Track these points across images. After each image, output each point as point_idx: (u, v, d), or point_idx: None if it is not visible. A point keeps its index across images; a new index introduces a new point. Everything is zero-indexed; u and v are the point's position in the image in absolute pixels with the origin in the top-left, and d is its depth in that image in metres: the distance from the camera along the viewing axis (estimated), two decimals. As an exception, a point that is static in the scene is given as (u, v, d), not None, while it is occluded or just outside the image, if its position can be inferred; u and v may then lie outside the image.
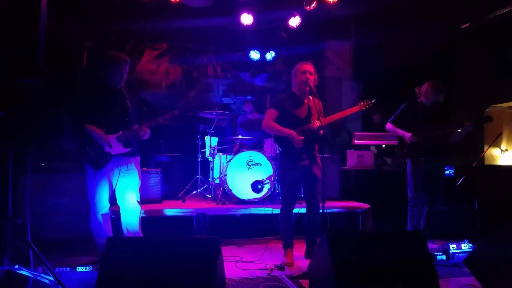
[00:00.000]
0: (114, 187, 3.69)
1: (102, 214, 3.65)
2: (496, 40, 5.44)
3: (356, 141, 6.33)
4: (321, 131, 3.79)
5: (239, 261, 3.97)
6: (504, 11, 4.96)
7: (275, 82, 7.51)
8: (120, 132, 3.61)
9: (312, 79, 3.89)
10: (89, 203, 3.65)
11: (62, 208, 4.42)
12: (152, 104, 6.82)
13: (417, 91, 4.32)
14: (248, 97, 6.57)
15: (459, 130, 4.22)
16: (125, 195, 3.71)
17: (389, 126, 4.60)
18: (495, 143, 5.91)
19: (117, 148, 3.61)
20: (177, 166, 5.87)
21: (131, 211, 3.73)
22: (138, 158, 3.83)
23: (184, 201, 5.42)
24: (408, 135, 4.37)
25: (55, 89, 5.16)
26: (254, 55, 7.09)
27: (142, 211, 3.89)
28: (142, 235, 3.76)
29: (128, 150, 3.66)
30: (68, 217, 4.38)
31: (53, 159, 4.83)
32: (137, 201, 3.75)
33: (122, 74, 3.66)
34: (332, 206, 5.13)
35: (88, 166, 3.58)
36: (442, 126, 4.27)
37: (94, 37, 6.16)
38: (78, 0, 5.53)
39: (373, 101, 3.96)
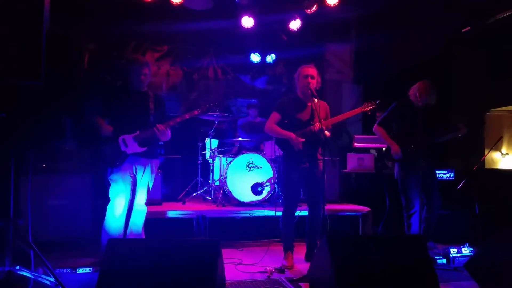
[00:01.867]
0: (128, 187, 3.67)
1: (116, 216, 3.64)
2: (496, 44, 5.45)
3: (356, 144, 6.33)
4: (324, 133, 3.77)
5: (239, 263, 3.96)
6: (504, 15, 4.97)
7: (276, 84, 7.52)
8: (137, 132, 3.67)
9: (314, 82, 3.91)
10: (107, 203, 3.67)
11: (63, 209, 4.42)
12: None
13: (412, 94, 4.32)
14: (252, 101, 6.56)
15: (459, 135, 4.20)
16: (137, 197, 3.72)
17: (376, 128, 4.49)
18: (496, 147, 5.90)
19: (132, 147, 3.66)
20: (177, 168, 5.88)
21: (138, 213, 3.76)
22: (157, 162, 3.89)
23: (184, 203, 5.40)
24: (394, 147, 4.29)
25: (57, 90, 5.17)
26: (255, 57, 7.10)
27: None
28: (144, 237, 3.77)
29: (143, 149, 3.69)
30: (69, 218, 4.40)
31: (54, 160, 4.84)
32: (145, 203, 3.80)
33: (140, 75, 3.73)
34: (332, 209, 5.12)
35: (103, 165, 3.64)
36: (434, 129, 4.21)
37: (95, 38, 6.17)
38: (80, 1, 5.53)
39: (377, 102, 3.96)
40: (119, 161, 3.62)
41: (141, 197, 3.76)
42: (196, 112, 3.87)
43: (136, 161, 3.71)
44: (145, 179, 3.77)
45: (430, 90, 4.26)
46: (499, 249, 3.18)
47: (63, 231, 4.35)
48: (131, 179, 3.66)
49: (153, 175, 3.86)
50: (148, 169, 3.78)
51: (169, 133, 3.80)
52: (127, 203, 3.64)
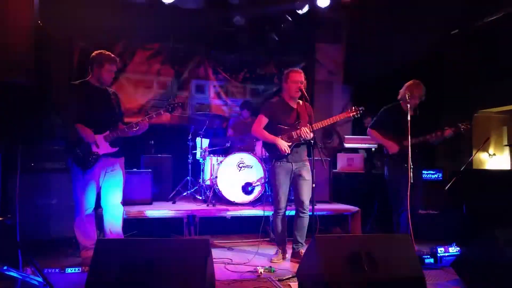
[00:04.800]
0: (100, 188, 3.70)
1: (86, 215, 3.65)
2: (484, 46, 5.52)
3: (346, 145, 6.37)
4: (311, 135, 3.82)
5: (229, 263, 3.97)
6: (493, 17, 5.05)
7: (267, 85, 7.52)
8: (107, 132, 3.62)
9: (302, 87, 3.94)
10: (74, 203, 3.65)
11: (51, 208, 4.39)
12: (143, 105, 6.79)
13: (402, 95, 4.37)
14: (244, 101, 6.57)
15: (439, 134, 4.25)
16: (110, 196, 3.73)
17: (370, 131, 4.55)
18: (483, 147, 5.97)
19: (104, 148, 3.61)
20: (167, 168, 5.83)
21: (115, 212, 3.76)
22: (123, 159, 3.85)
23: (174, 202, 5.40)
24: (390, 145, 4.33)
25: (46, 89, 5.13)
26: (246, 57, 7.02)
27: (125, 212, 3.90)
28: (123, 236, 3.78)
29: (115, 150, 3.67)
30: (58, 217, 4.36)
31: (43, 159, 4.80)
32: (121, 202, 3.78)
33: (110, 72, 3.67)
34: (322, 209, 5.15)
35: (75, 166, 3.56)
36: (423, 132, 4.25)
37: (86, 37, 6.12)
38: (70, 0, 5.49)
39: (361, 108, 4.00)
40: (91, 163, 3.56)
41: (116, 197, 3.74)
42: (162, 112, 3.79)
43: (107, 162, 3.67)
44: (118, 178, 3.75)
45: (420, 89, 4.30)
46: (485, 248, 3.22)
47: (52, 231, 4.33)
48: (100, 180, 3.66)
49: (124, 172, 3.81)
50: (118, 168, 3.75)
51: (146, 125, 3.70)
52: (94, 204, 3.66)
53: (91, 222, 3.72)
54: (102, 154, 3.61)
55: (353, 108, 4.03)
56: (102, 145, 3.60)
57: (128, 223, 4.04)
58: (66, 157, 3.66)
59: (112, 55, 3.72)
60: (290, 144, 3.95)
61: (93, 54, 3.71)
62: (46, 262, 3.61)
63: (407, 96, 4.17)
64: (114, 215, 3.75)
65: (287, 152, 3.92)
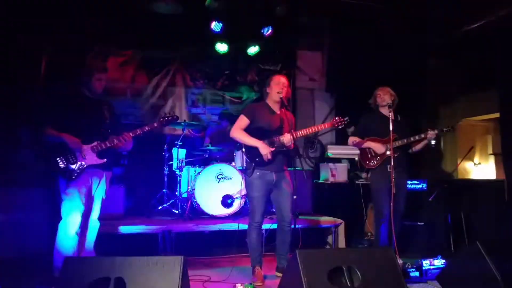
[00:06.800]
0: (85, 201, 3.53)
1: (75, 233, 3.45)
2: (468, 55, 5.54)
3: (329, 154, 6.28)
4: (293, 145, 3.68)
5: (207, 281, 3.81)
6: (475, 25, 5.09)
7: (247, 92, 7.38)
8: (95, 143, 3.53)
9: (286, 91, 3.85)
10: (62, 219, 3.45)
11: (19, 223, 4.25)
12: (117, 113, 6.55)
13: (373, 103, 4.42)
14: (223, 109, 6.43)
15: (423, 136, 4.22)
16: (91, 211, 3.63)
17: (352, 139, 4.50)
18: (468, 156, 5.94)
19: (91, 158, 3.51)
20: (142, 180, 5.67)
21: (92, 228, 3.65)
22: (110, 173, 3.76)
23: (149, 217, 5.21)
24: (377, 147, 4.29)
25: (10, 97, 4.88)
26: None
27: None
28: (94, 254, 3.65)
29: (102, 161, 3.57)
30: (26, 233, 4.22)
31: (8, 172, 4.58)
32: (98, 217, 3.67)
33: (100, 80, 3.63)
34: (305, 221, 5.04)
35: (60, 178, 3.45)
36: (403, 136, 4.24)
37: (54, 42, 5.85)
38: (36, 2, 5.24)
39: (346, 119, 3.93)
40: (76, 174, 3.45)
41: (95, 212, 3.65)
42: (155, 125, 3.77)
43: (93, 173, 3.58)
44: (100, 192, 3.67)
45: (388, 92, 4.36)
46: (470, 261, 3.13)
47: (20, 247, 4.17)
48: (87, 193, 3.52)
49: (107, 188, 3.74)
50: (103, 181, 3.68)
51: (131, 144, 3.71)
52: (81, 220, 3.48)
53: (76, 243, 3.47)
54: (89, 165, 3.51)
55: (338, 118, 3.94)
56: (89, 156, 3.50)
57: (99, 239, 3.83)
58: (50, 169, 3.47)
59: (101, 64, 3.94)
60: (272, 150, 3.73)
61: (82, 63, 3.69)
62: (13, 281, 3.46)
63: (377, 103, 4.37)
64: (91, 232, 3.65)
65: (269, 157, 3.69)
